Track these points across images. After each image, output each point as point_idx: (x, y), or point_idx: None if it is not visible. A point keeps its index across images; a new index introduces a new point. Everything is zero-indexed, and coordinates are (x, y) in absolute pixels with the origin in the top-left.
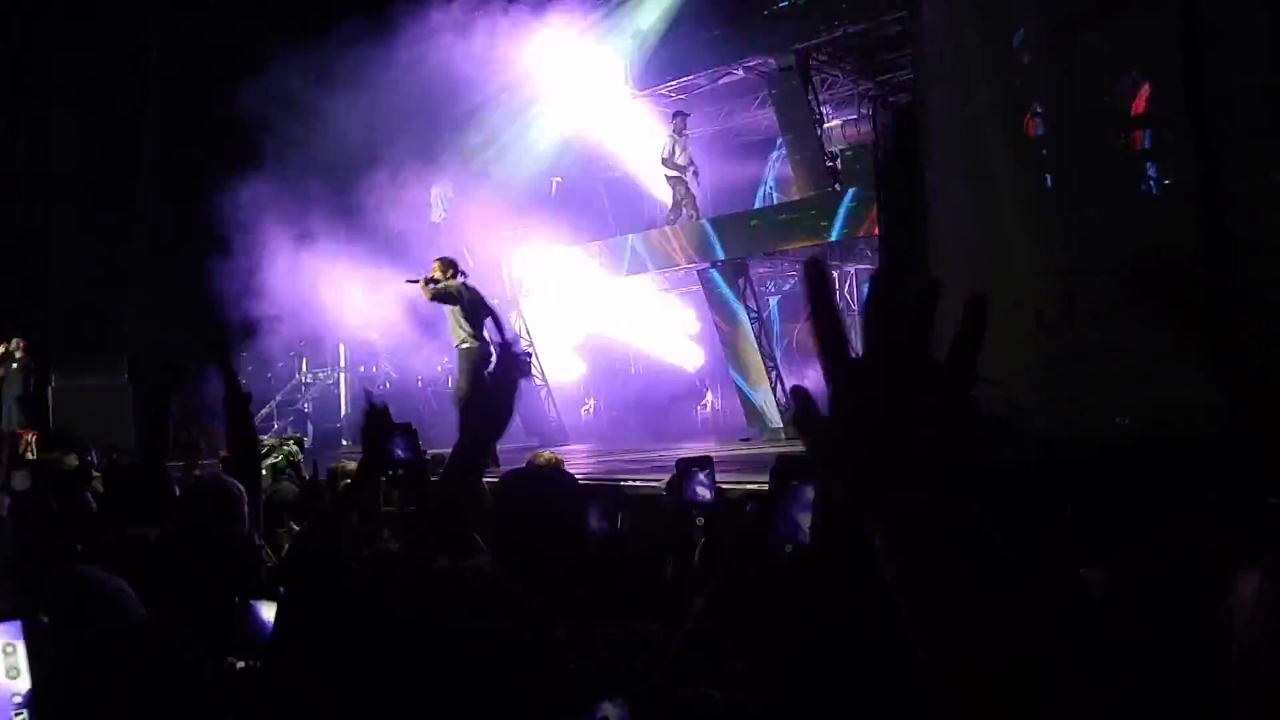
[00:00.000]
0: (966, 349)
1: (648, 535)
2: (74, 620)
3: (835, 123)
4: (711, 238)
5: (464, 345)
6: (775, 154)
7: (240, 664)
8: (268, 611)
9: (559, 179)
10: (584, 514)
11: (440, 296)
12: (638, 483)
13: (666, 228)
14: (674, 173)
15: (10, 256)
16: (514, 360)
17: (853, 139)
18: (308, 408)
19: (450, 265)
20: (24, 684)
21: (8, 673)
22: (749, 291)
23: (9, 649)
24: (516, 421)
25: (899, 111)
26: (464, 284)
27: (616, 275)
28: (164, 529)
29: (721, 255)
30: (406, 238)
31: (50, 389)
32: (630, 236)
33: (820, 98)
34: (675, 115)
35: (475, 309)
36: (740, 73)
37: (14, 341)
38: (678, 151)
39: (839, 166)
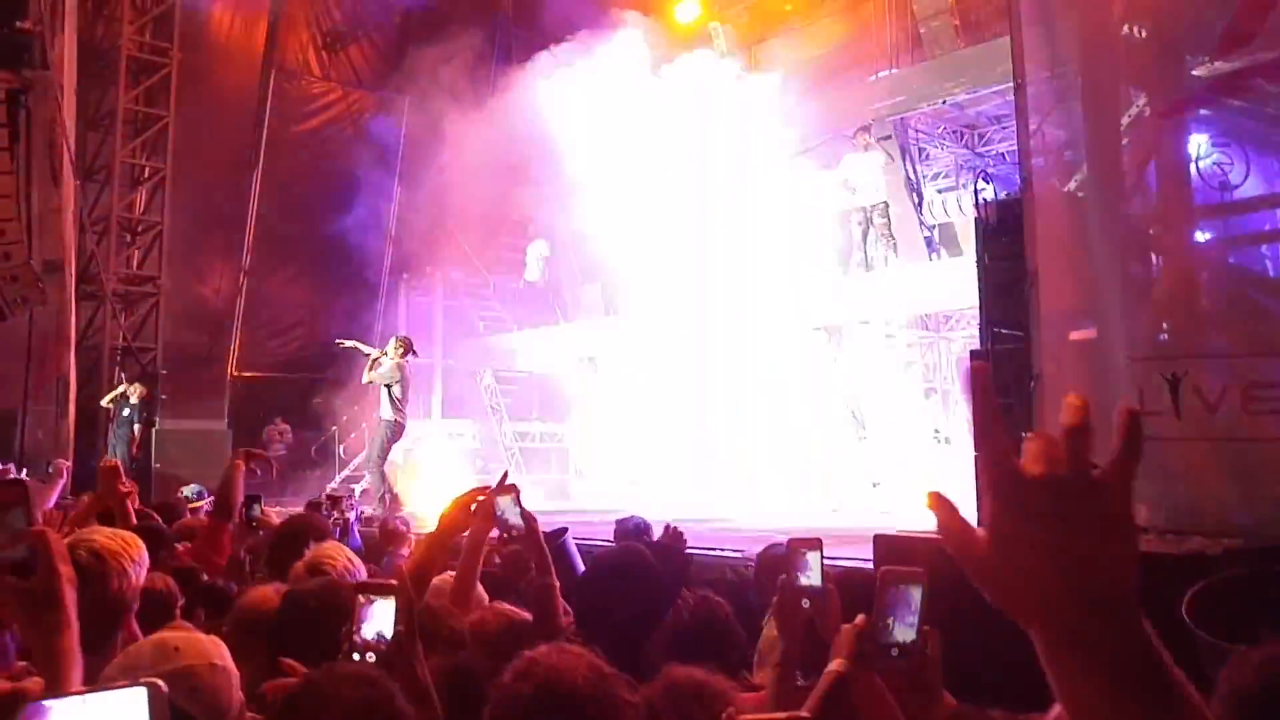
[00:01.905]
0: (1129, 465)
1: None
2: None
3: (933, 193)
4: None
5: (387, 418)
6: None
7: (356, 657)
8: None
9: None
10: (669, 593)
11: (382, 378)
12: (726, 554)
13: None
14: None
15: (130, 301)
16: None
17: (952, 210)
18: (399, 459)
19: (404, 344)
20: None
21: None
22: (840, 357)
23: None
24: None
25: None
26: (407, 363)
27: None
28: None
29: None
30: (502, 294)
31: (155, 431)
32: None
33: (919, 168)
34: (857, 131)
35: (404, 389)
36: (840, 140)
37: (133, 385)
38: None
39: (936, 237)
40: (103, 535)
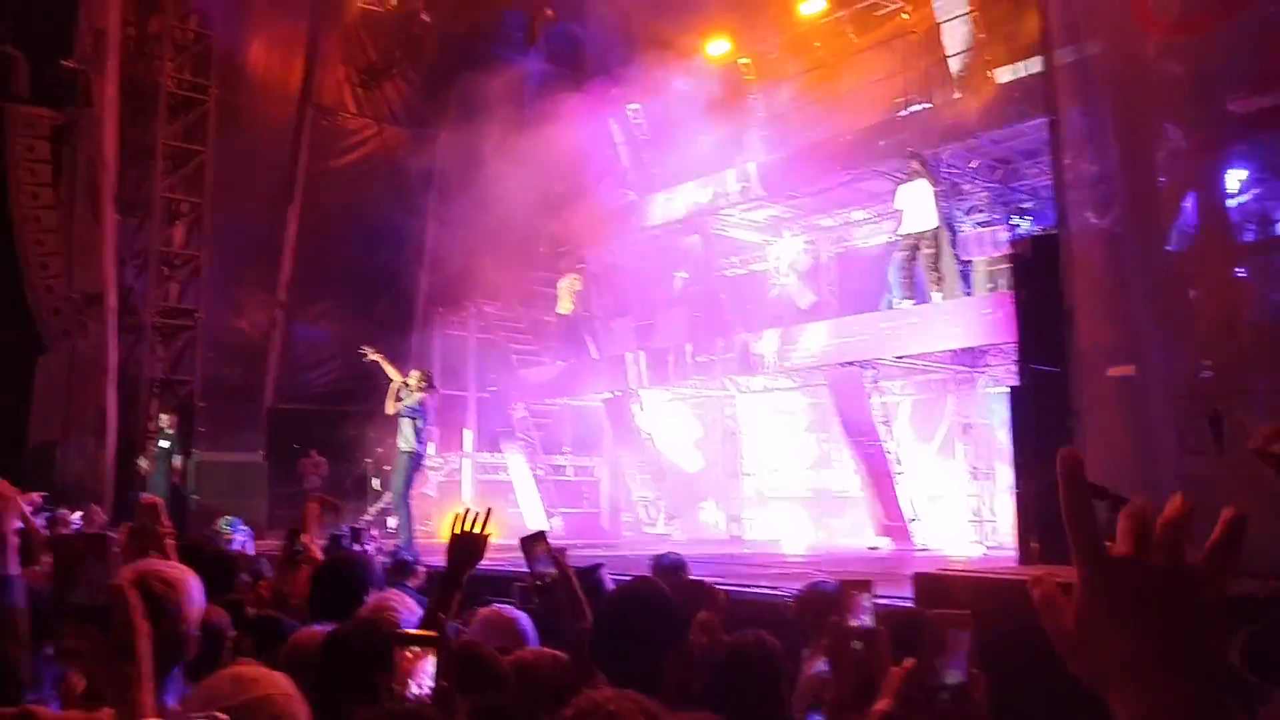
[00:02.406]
0: (1226, 557)
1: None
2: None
3: (967, 229)
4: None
5: (407, 449)
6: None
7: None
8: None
9: (684, 274)
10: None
11: (407, 412)
12: (763, 591)
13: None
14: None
15: (168, 334)
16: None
17: (987, 247)
18: (433, 493)
19: (425, 377)
20: None
21: None
22: (876, 393)
23: None
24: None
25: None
26: (429, 395)
27: (725, 374)
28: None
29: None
30: (535, 328)
31: (193, 464)
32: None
33: (952, 204)
34: (911, 156)
35: (426, 421)
36: (871, 176)
37: (164, 417)
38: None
39: (971, 273)
40: (165, 565)
